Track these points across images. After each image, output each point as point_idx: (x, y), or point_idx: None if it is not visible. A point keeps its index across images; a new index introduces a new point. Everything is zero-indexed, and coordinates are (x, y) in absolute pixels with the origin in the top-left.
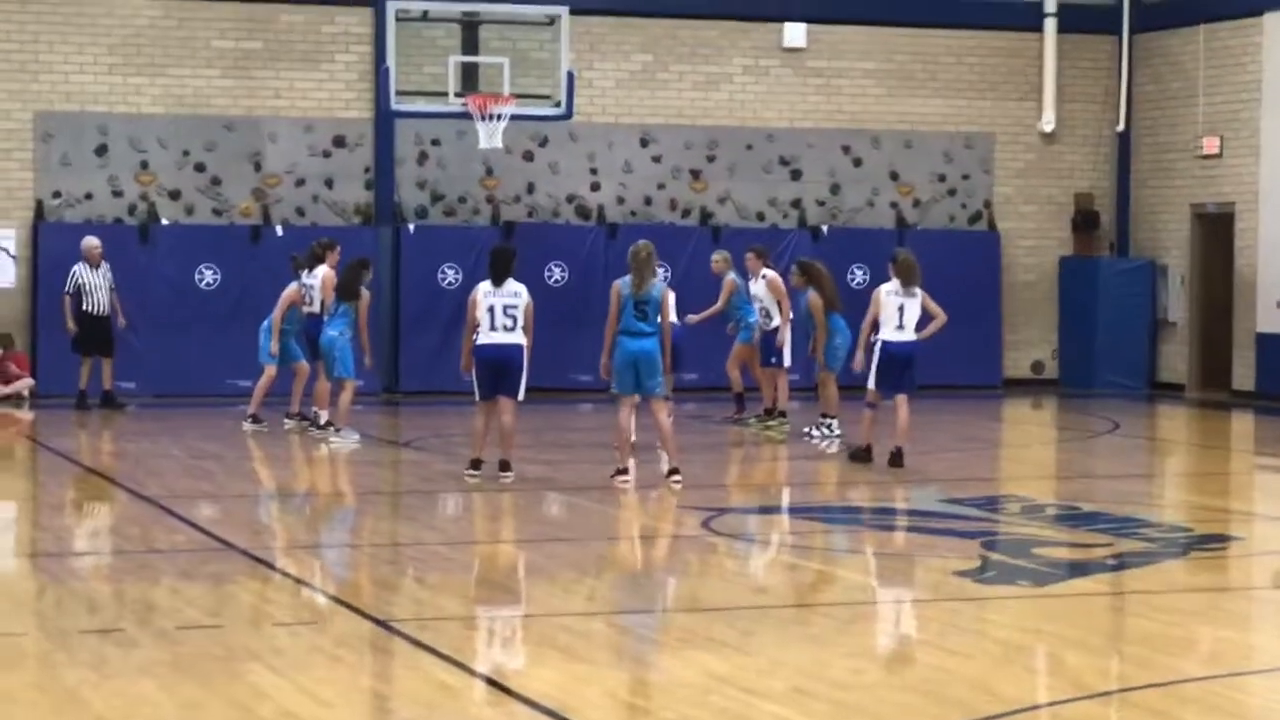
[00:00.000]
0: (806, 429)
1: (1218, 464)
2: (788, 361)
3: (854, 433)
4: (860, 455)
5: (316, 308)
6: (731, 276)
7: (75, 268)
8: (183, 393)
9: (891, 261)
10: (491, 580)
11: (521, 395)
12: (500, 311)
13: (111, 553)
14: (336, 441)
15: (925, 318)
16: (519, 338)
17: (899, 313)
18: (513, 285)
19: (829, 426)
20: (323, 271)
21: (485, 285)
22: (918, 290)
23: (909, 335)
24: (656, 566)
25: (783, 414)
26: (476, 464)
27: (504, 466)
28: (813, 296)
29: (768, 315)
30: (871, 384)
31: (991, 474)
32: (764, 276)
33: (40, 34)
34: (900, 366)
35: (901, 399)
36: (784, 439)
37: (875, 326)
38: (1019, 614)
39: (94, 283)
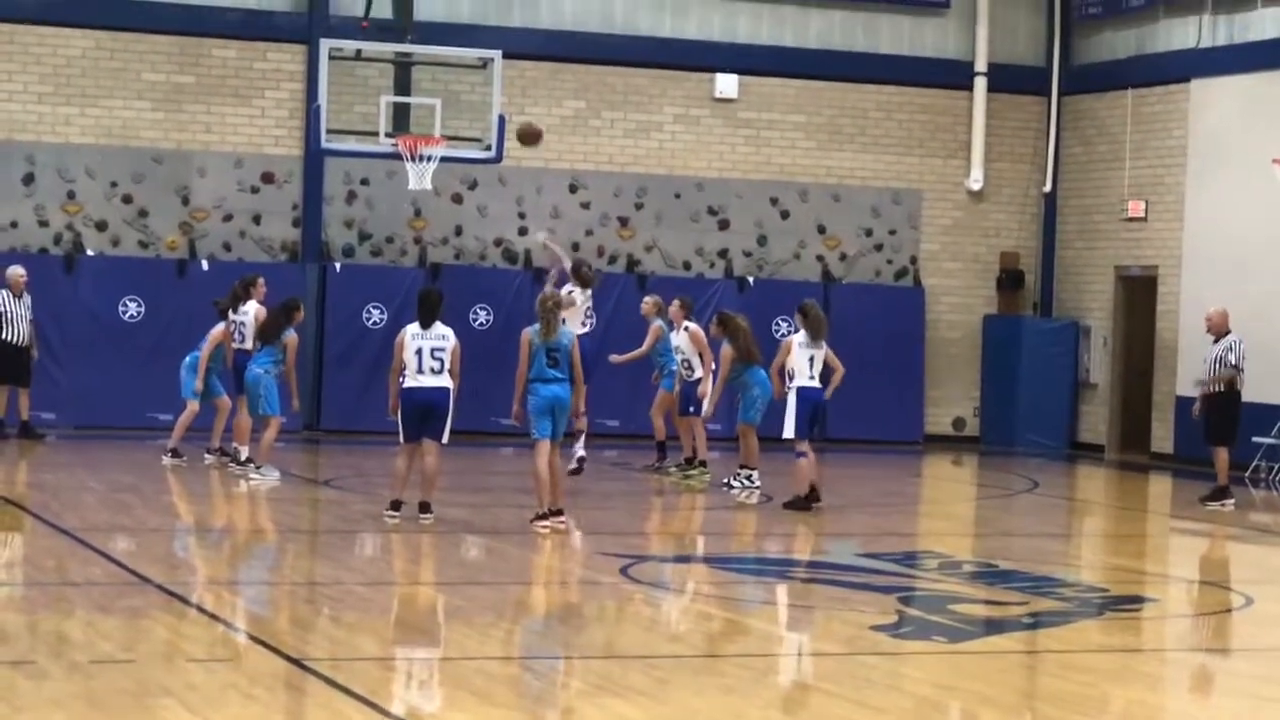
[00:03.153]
0: (726, 479)
1: (1135, 525)
2: (706, 410)
3: (783, 484)
4: (799, 503)
5: (248, 344)
6: (659, 323)
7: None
8: (103, 425)
9: (801, 314)
10: (408, 622)
11: (446, 438)
12: (428, 354)
13: (25, 584)
14: (256, 478)
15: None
16: (445, 381)
17: (810, 363)
18: (440, 328)
19: (749, 477)
20: (253, 308)
21: (413, 327)
22: (823, 342)
23: (819, 383)
24: (574, 612)
25: (703, 463)
26: (397, 505)
27: (424, 508)
28: (725, 348)
29: (689, 366)
30: (792, 433)
31: (910, 529)
32: (686, 328)
33: None
34: (814, 412)
35: (808, 444)
36: (704, 488)
37: (786, 375)
38: (934, 670)
39: (16, 312)
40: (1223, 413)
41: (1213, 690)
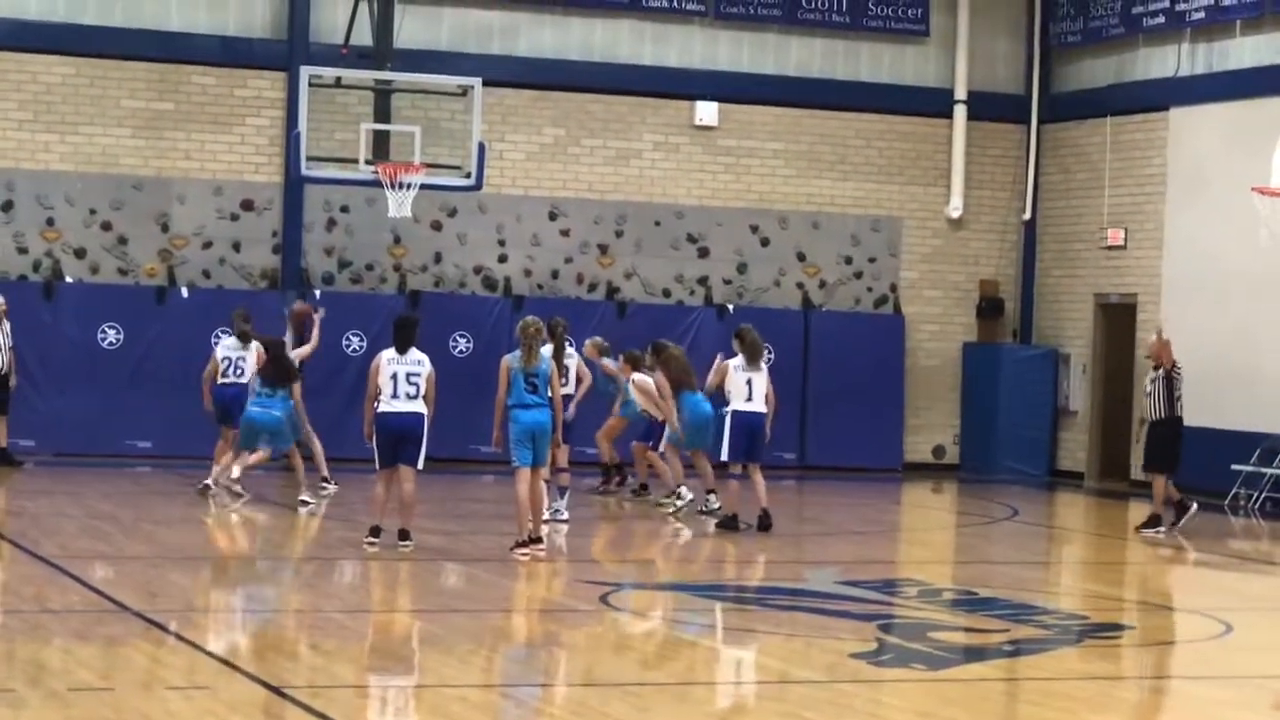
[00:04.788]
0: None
1: (1114, 553)
2: (664, 446)
3: (747, 509)
4: (730, 523)
5: (246, 379)
6: (606, 361)
7: None
8: (82, 452)
9: (738, 339)
10: (387, 649)
11: (420, 464)
12: (403, 379)
13: (3, 612)
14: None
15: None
16: (420, 406)
17: (748, 386)
18: (415, 354)
19: (678, 495)
20: (256, 348)
21: (388, 353)
22: (763, 365)
23: (759, 406)
24: (554, 640)
25: (676, 492)
26: (376, 531)
27: (403, 535)
28: (659, 376)
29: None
30: (726, 456)
31: (889, 557)
32: (632, 380)
33: None
34: (751, 436)
35: (754, 467)
36: (682, 514)
37: (718, 398)
38: (914, 697)
39: None
40: (1163, 440)
41: (1191, 717)
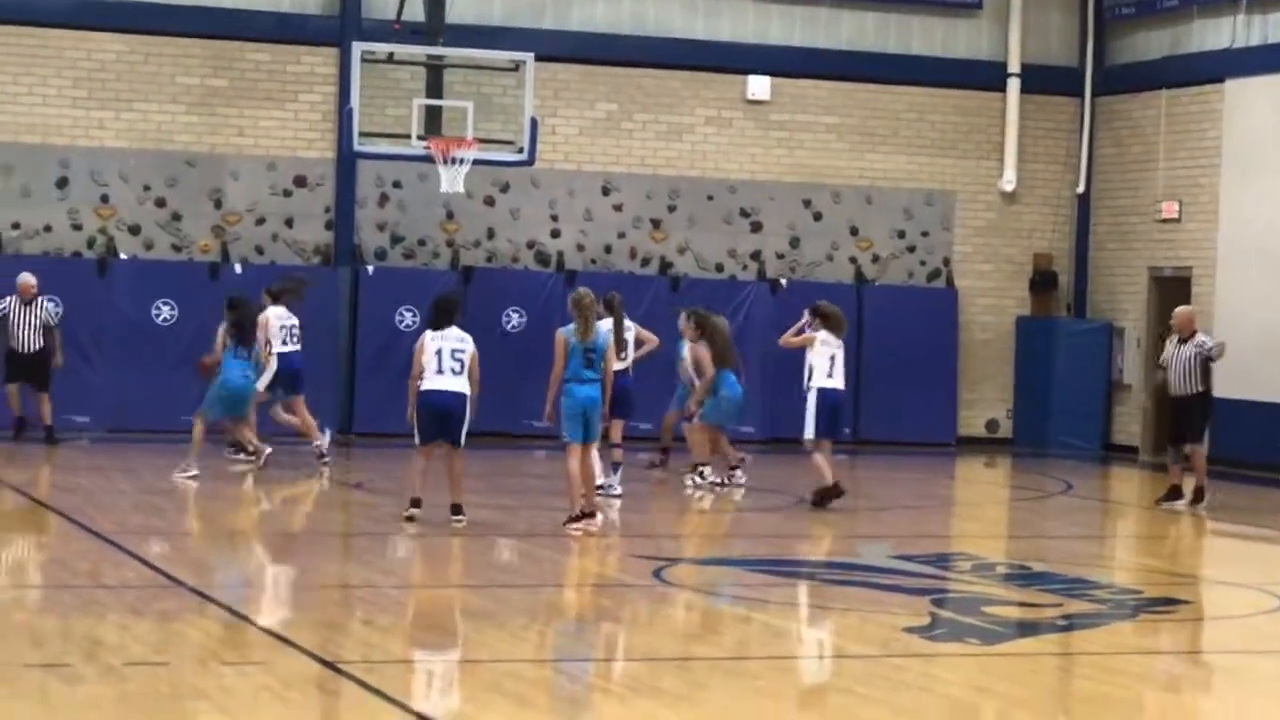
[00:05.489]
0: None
1: (1169, 527)
2: (688, 408)
3: (803, 482)
4: (828, 494)
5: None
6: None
7: (7, 300)
8: (136, 428)
9: (821, 316)
10: (441, 624)
11: (462, 442)
12: (447, 355)
13: (59, 587)
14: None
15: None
16: (464, 385)
17: (830, 362)
18: (458, 332)
19: (700, 474)
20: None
21: (432, 332)
22: (842, 344)
23: (840, 383)
24: (607, 615)
25: (733, 467)
26: (416, 502)
27: (456, 510)
28: (702, 349)
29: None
30: (811, 433)
31: (943, 531)
32: (689, 346)
33: (4, 65)
34: (834, 413)
35: (827, 444)
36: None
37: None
38: (967, 672)
39: (24, 319)
40: (1194, 412)
41: (1247, 692)
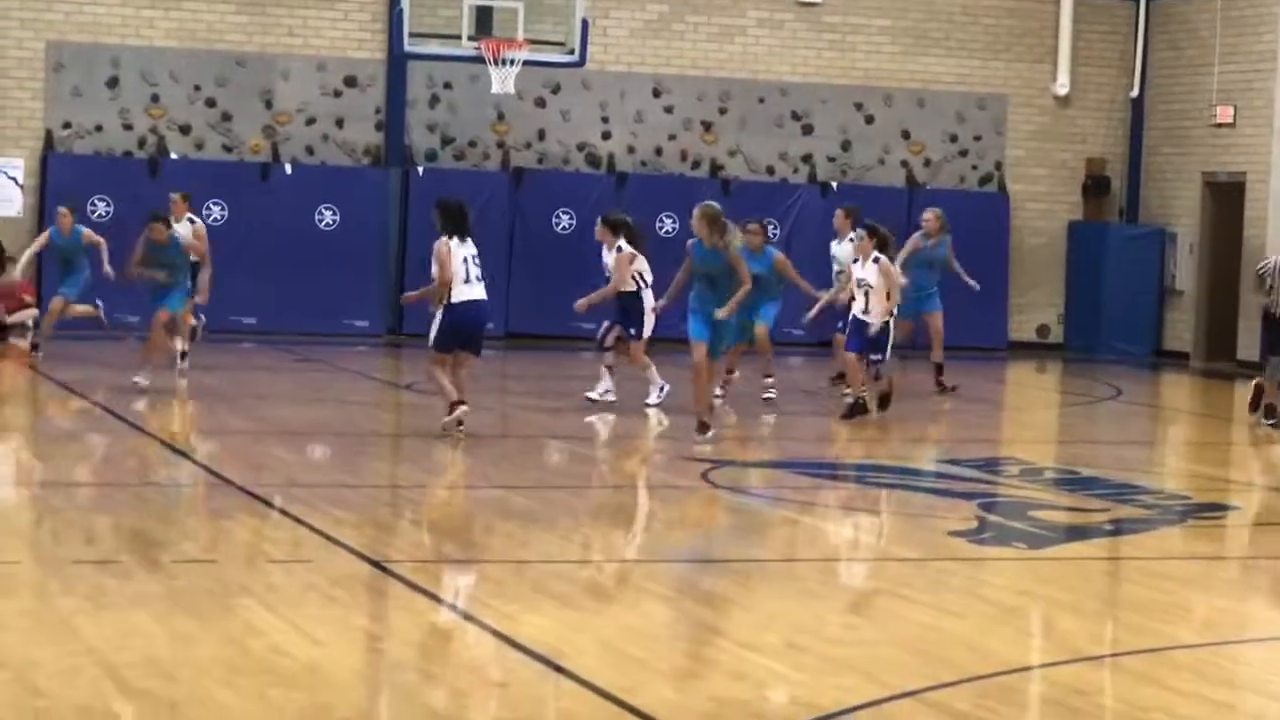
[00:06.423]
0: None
1: (1219, 433)
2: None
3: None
4: (885, 399)
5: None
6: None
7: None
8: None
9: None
10: (488, 525)
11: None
12: (472, 263)
13: (110, 485)
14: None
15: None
16: (486, 292)
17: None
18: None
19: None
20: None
21: (452, 240)
22: None
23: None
24: (654, 517)
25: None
26: (459, 402)
27: (460, 404)
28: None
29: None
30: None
31: (992, 436)
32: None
33: None
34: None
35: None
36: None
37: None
38: (1014, 576)
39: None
40: None
41: None
